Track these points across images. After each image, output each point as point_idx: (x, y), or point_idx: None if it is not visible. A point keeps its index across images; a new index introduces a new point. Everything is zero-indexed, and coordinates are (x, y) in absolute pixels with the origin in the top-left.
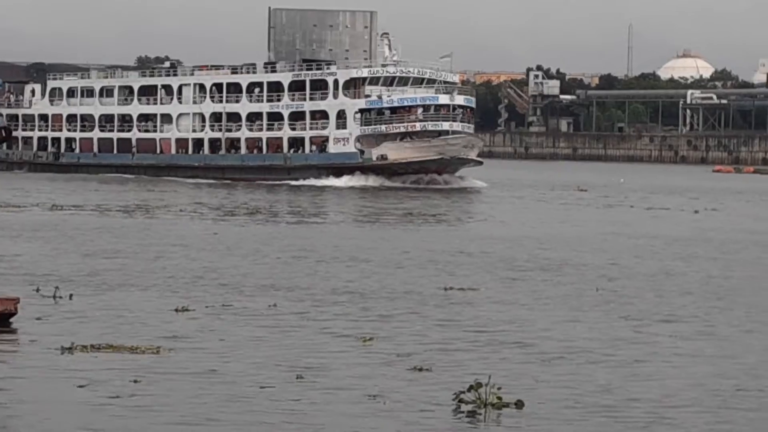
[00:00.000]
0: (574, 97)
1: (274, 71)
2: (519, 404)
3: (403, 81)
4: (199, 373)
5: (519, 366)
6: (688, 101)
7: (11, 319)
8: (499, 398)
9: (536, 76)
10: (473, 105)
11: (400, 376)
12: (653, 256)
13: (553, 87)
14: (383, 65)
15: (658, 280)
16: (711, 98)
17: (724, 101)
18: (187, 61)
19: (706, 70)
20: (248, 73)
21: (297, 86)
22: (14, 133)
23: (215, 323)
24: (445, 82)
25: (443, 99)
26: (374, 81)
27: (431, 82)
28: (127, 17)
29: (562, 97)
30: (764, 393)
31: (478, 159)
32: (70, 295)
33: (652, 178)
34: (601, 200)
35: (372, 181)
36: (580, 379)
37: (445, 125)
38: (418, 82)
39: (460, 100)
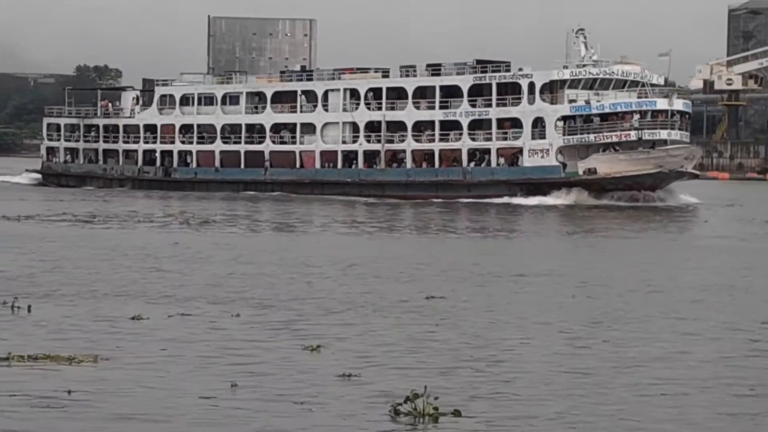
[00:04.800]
0: None
1: (437, 74)
2: (456, 413)
3: (605, 84)
4: (133, 382)
5: (458, 375)
6: None
7: None
8: (436, 408)
9: None
10: (690, 110)
11: (339, 385)
12: None
13: None
14: (580, 66)
15: None
16: None
17: None
18: (127, 70)
19: None
20: (407, 76)
21: (478, 91)
22: (114, 146)
23: (164, 332)
24: (652, 85)
25: (661, 104)
26: (574, 84)
27: (635, 84)
28: (64, 24)
29: None
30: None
31: (695, 171)
32: (29, 307)
33: None
34: None
35: (577, 198)
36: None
37: (663, 134)
38: (621, 84)
39: (679, 105)
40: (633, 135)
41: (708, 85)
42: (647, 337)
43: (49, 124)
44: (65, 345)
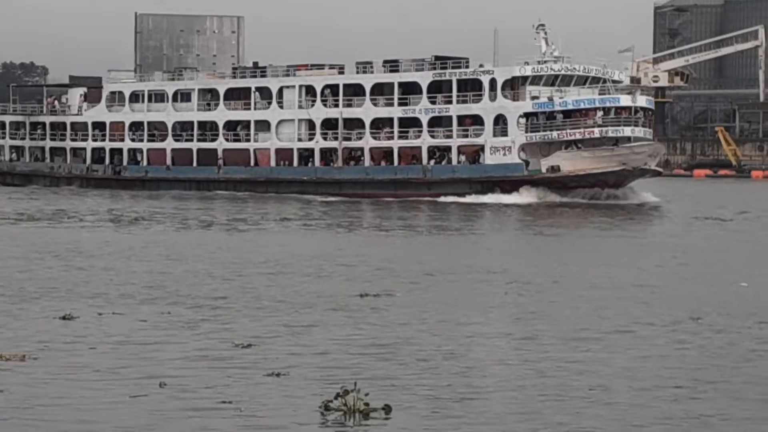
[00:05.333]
0: None
1: (395, 70)
2: (387, 409)
3: (567, 80)
4: (61, 381)
5: (389, 371)
6: None
7: None
8: (367, 404)
9: None
10: (653, 107)
11: (269, 383)
12: None
13: None
14: (541, 62)
15: None
16: None
17: None
18: (54, 67)
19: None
20: (364, 72)
21: (437, 87)
22: (61, 144)
23: (94, 331)
24: (613, 81)
25: (625, 100)
26: (536, 80)
27: (596, 81)
28: None
29: None
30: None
31: (658, 169)
32: None
33: None
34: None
35: (539, 196)
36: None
37: (627, 131)
38: (582, 81)
39: (642, 101)
40: (597, 132)
41: (634, 82)
42: (568, 336)
43: None
44: None
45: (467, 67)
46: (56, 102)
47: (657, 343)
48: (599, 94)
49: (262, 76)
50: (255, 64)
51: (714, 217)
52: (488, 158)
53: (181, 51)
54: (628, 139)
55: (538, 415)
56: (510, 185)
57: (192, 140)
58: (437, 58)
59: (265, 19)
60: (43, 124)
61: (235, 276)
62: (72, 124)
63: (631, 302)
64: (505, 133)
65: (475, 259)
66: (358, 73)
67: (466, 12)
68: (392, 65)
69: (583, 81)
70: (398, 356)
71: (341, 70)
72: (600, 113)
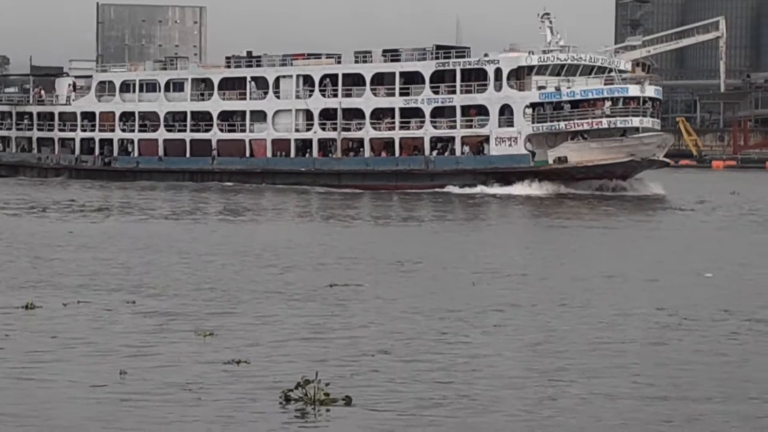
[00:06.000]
0: None
1: (396, 60)
2: (347, 400)
3: (572, 70)
4: (20, 371)
5: (349, 361)
6: None
7: None
8: (327, 395)
9: None
10: (661, 97)
11: (230, 372)
12: None
13: None
14: (546, 51)
15: None
16: None
17: None
18: (14, 57)
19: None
20: (364, 62)
21: (440, 77)
22: (49, 134)
23: (56, 320)
24: (619, 71)
25: (633, 90)
26: (542, 70)
27: (602, 71)
28: None
29: None
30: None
31: (666, 160)
32: None
33: None
34: None
35: (546, 188)
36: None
37: (636, 121)
38: (588, 71)
39: (650, 91)
40: (605, 122)
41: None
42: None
43: None
44: None
45: (469, 56)
46: (42, 92)
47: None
48: (605, 83)
49: (258, 65)
50: (249, 53)
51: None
52: (493, 149)
53: (143, 41)
54: (636, 130)
55: (501, 403)
56: (516, 176)
57: (185, 130)
58: (438, 47)
59: (228, 9)
60: (30, 114)
61: (206, 265)
62: (60, 114)
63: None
64: (510, 124)
65: (463, 251)
66: (356, 62)
67: (417, 2)
68: (393, 55)
69: (589, 70)
70: (362, 348)
71: (338, 59)
72: (608, 103)
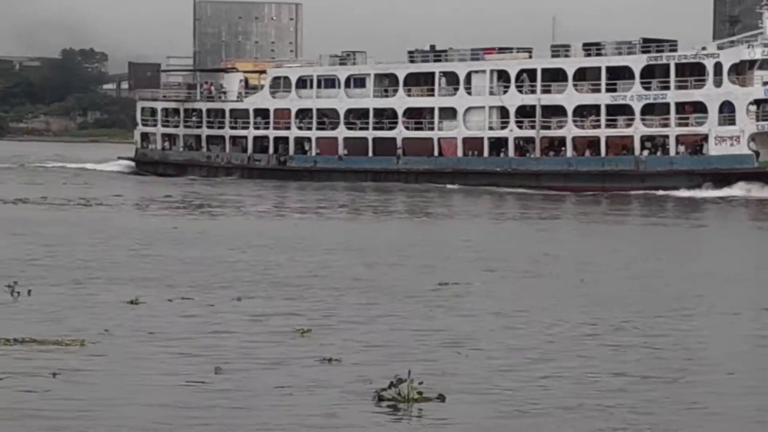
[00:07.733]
0: None
1: (599, 54)
2: (441, 398)
3: None
4: (117, 366)
5: (442, 360)
6: None
7: None
8: (420, 393)
9: None
10: None
11: (323, 370)
12: None
13: None
14: (766, 44)
15: None
16: None
17: None
18: (112, 54)
19: None
20: (566, 56)
21: (650, 72)
22: (219, 132)
23: (157, 316)
24: None
25: None
26: (765, 64)
27: None
28: (50, 6)
29: None
30: None
31: None
32: (29, 290)
33: None
34: None
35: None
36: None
37: None
38: None
39: None
40: None
41: None
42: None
43: (143, 109)
44: (54, 328)
45: (703, 50)
46: (212, 87)
47: None
48: None
49: (446, 60)
50: (432, 47)
51: None
52: (713, 149)
53: (240, 38)
54: None
55: (602, 409)
56: (738, 178)
57: (367, 128)
58: (645, 40)
59: (324, 6)
60: (199, 111)
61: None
62: (231, 111)
63: None
64: (732, 122)
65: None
66: (554, 56)
67: (517, 1)
68: (597, 49)
69: None
70: (456, 346)
71: (531, 53)
72: None
